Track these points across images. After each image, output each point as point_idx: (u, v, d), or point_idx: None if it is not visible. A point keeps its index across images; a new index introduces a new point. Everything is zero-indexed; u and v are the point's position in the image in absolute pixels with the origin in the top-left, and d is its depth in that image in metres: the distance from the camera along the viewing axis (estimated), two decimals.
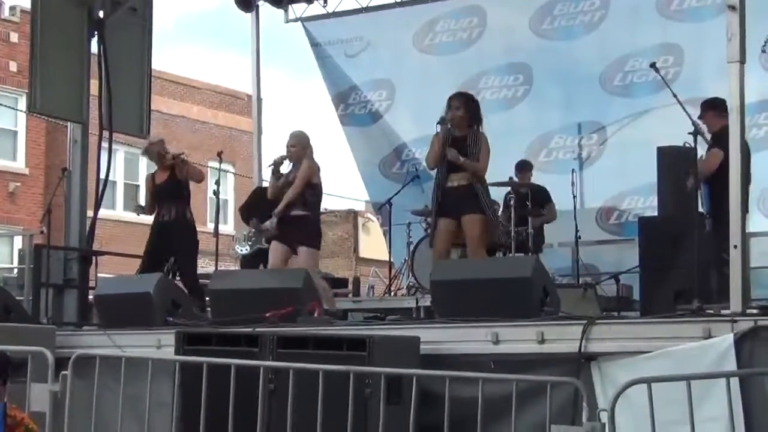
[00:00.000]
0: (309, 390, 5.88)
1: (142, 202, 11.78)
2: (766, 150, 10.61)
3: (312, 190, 9.38)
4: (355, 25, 14.36)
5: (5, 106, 23.21)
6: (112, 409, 6.75)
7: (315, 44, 14.62)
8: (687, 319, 6.52)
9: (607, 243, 12.35)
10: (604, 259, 12.00)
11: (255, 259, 11.40)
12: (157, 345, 8.15)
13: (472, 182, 8.70)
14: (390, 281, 13.07)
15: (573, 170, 11.83)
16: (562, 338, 6.69)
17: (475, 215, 8.67)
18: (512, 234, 10.55)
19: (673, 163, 9.44)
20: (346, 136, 14.52)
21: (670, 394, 5.33)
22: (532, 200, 11.19)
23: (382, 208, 13.20)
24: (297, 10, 14.53)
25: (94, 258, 10.91)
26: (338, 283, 13.36)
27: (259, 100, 14.46)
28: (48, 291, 10.34)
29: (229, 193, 25.57)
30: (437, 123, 8.83)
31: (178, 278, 10.41)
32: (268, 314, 7.98)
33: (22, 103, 22.47)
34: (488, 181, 9.39)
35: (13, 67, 23.60)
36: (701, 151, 8.51)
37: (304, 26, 14.61)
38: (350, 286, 13.82)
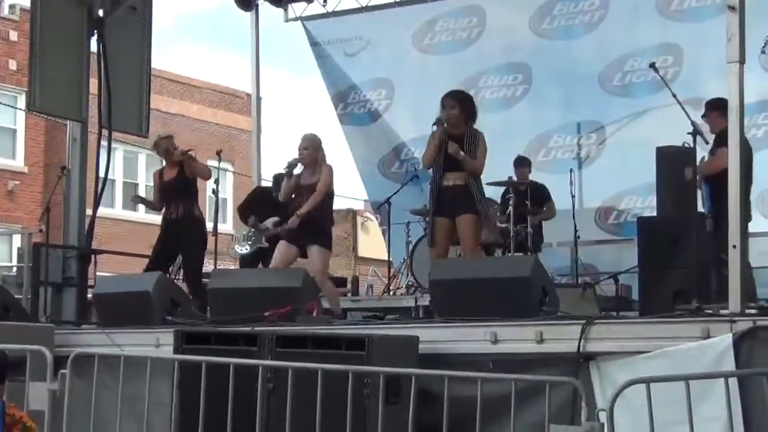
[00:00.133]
0: (308, 389, 5.88)
1: (142, 194, 11.77)
2: (765, 150, 10.61)
3: (328, 193, 9.41)
4: (355, 25, 14.36)
5: (4, 104, 23.20)
6: (110, 408, 6.76)
7: (314, 43, 14.62)
8: (686, 319, 6.53)
9: (606, 243, 12.35)
10: (603, 259, 12.00)
11: (254, 259, 11.41)
12: (155, 344, 8.15)
13: (467, 182, 8.73)
14: (389, 281, 13.07)
15: (572, 170, 11.83)
16: (560, 338, 6.69)
17: (469, 215, 8.69)
18: (511, 233, 10.55)
19: (672, 163, 9.44)
20: (345, 135, 14.52)
21: (668, 394, 5.33)
22: (531, 198, 11.19)
23: (381, 208, 13.20)
24: (296, 9, 14.54)
25: (93, 257, 10.91)
26: (337, 282, 13.32)
27: (259, 99, 14.46)
28: (47, 289, 10.35)
29: (228, 192, 25.56)
30: (432, 125, 8.87)
31: (180, 278, 10.42)
32: (267, 313, 7.99)
33: (22, 102, 22.47)
34: (487, 180, 9.42)
35: (12, 65, 23.58)
36: (700, 151, 8.52)
37: (303, 25, 14.62)
38: (349, 286, 13.83)
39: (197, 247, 10.45)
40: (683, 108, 8.77)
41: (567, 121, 13.08)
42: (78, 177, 10.92)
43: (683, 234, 8.26)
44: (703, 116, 9.15)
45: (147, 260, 10.82)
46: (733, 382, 5.71)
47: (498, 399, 5.91)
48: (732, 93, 6.83)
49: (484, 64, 13.66)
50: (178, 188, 10.43)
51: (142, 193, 23.95)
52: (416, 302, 10.64)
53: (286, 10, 14.51)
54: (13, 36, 23.77)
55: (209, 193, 11.30)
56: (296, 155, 9.37)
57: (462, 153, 8.64)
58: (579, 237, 11.40)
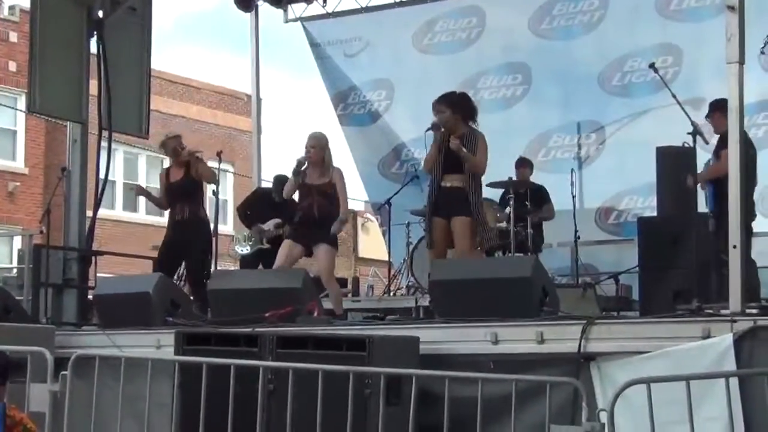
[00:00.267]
0: (308, 390, 5.89)
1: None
2: (765, 149, 10.61)
3: (336, 195, 9.40)
4: (355, 25, 14.36)
5: (4, 105, 23.18)
6: (111, 409, 6.76)
7: (314, 44, 14.62)
8: (686, 319, 6.54)
9: (607, 243, 12.34)
10: (603, 259, 11.99)
11: (255, 260, 11.40)
12: (156, 345, 8.16)
13: (465, 185, 8.75)
14: (389, 281, 13.06)
15: (572, 170, 11.81)
16: (561, 338, 6.69)
17: (463, 218, 8.71)
18: (511, 233, 10.54)
19: (672, 163, 9.43)
20: (345, 136, 14.51)
21: (669, 394, 5.34)
22: (530, 200, 11.18)
23: (381, 208, 13.19)
24: (296, 9, 14.52)
25: (93, 258, 10.91)
26: (338, 283, 13.33)
27: (258, 99, 14.46)
28: (47, 291, 10.33)
29: (228, 193, 25.55)
30: (426, 130, 8.93)
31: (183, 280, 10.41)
32: (267, 314, 7.99)
33: (22, 103, 22.45)
34: (486, 181, 9.42)
35: (12, 66, 23.56)
36: (700, 151, 8.52)
37: (303, 26, 14.61)
38: (349, 286, 13.82)
39: (201, 249, 10.45)
40: (683, 108, 8.77)
41: (566, 121, 13.07)
42: (78, 178, 10.91)
43: (683, 234, 8.26)
44: (706, 117, 9.16)
45: (147, 261, 10.82)
46: (734, 382, 5.71)
47: (498, 399, 5.92)
48: (731, 93, 6.83)
49: (484, 65, 13.65)
50: (184, 189, 10.44)
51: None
52: (417, 303, 10.63)
53: (285, 10, 14.50)
54: (13, 37, 23.76)
55: (209, 194, 11.29)
56: (303, 154, 9.37)
57: (464, 150, 8.67)
58: (579, 237, 11.39)
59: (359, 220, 28.95)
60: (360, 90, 14.42)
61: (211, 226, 10.68)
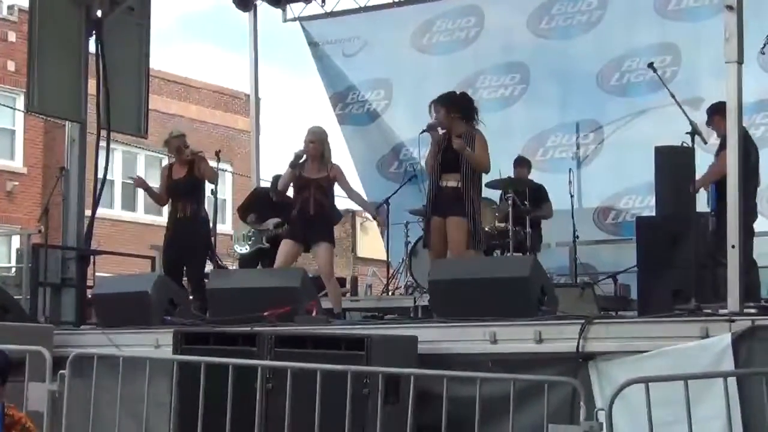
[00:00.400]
0: (307, 389, 5.88)
1: (140, 197, 11.70)
2: (764, 149, 10.61)
3: (333, 191, 9.42)
4: (353, 25, 14.36)
5: (3, 105, 23.17)
6: (110, 409, 6.76)
7: (313, 44, 14.62)
8: (684, 319, 6.54)
9: (605, 242, 12.35)
10: (601, 259, 11.99)
11: (254, 259, 11.40)
12: (155, 344, 8.16)
13: (463, 186, 8.75)
14: (388, 281, 13.05)
15: (570, 169, 11.80)
16: (559, 338, 6.70)
17: (458, 218, 8.71)
18: (510, 233, 10.54)
19: (670, 163, 9.42)
20: (344, 135, 14.51)
21: (667, 393, 5.34)
22: (529, 199, 11.18)
23: (380, 208, 13.19)
24: (295, 9, 14.53)
25: (91, 257, 10.91)
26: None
27: (257, 99, 14.46)
28: (46, 290, 10.34)
29: (227, 192, 25.56)
30: (421, 132, 8.98)
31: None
32: (265, 313, 7.99)
33: (20, 103, 22.42)
34: (486, 181, 9.42)
35: (10, 66, 23.55)
36: (699, 150, 8.51)
37: (302, 26, 14.62)
38: (348, 286, 13.81)
39: (201, 248, 10.45)
40: (681, 108, 8.77)
41: (565, 120, 13.07)
42: (77, 178, 10.92)
43: (682, 234, 8.25)
44: (707, 124, 9.13)
45: (146, 260, 10.81)
46: (732, 381, 5.71)
47: (497, 399, 5.91)
48: (730, 93, 6.83)
49: (482, 64, 13.65)
50: (187, 188, 10.44)
51: (139, 195, 23.94)
52: (415, 302, 10.62)
53: (284, 10, 14.51)
54: (12, 37, 23.75)
55: (208, 193, 11.30)
56: (302, 148, 9.37)
57: (468, 149, 8.67)
58: (578, 237, 11.38)
59: (358, 220, 28.93)
60: (358, 89, 14.42)
61: (211, 225, 10.68)
